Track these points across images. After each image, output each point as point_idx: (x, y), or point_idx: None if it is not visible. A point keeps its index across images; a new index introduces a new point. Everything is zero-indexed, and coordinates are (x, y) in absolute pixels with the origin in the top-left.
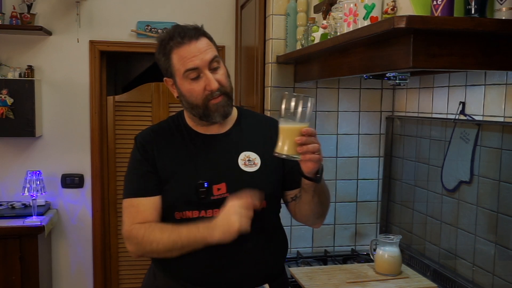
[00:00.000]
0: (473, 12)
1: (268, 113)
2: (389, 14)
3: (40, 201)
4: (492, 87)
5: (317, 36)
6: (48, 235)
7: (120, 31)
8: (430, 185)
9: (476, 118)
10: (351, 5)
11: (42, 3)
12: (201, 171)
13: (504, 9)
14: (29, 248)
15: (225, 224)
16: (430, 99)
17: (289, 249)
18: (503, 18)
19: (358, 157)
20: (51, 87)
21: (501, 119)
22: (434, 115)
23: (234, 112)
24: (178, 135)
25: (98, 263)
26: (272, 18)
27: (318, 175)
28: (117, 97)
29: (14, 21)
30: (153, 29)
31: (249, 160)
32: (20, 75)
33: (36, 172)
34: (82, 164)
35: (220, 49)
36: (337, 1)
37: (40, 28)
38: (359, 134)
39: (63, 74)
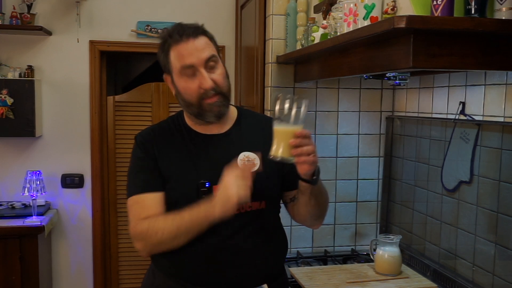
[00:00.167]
0: (473, 12)
1: (268, 113)
2: (389, 14)
3: (40, 201)
4: (492, 87)
5: (317, 36)
6: (48, 235)
7: (120, 31)
8: (430, 185)
9: (476, 118)
10: (351, 5)
11: (42, 3)
12: (202, 171)
13: (504, 9)
14: (29, 248)
15: (224, 198)
16: (430, 99)
17: (289, 249)
18: (503, 18)
19: (358, 157)
20: (51, 87)
21: (501, 119)
22: (434, 115)
23: (234, 112)
24: (178, 135)
25: (98, 263)
26: (272, 18)
27: (315, 177)
28: (117, 97)
29: (14, 21)
30: (153, 29)
31: (248, 160)
32: (20, 75)
33: (36, 172)
34: (82, 164)
35: (220, 49)
36: (337, 1)
37: (40, 28)
38: (359, 134)
39: (63, 74)
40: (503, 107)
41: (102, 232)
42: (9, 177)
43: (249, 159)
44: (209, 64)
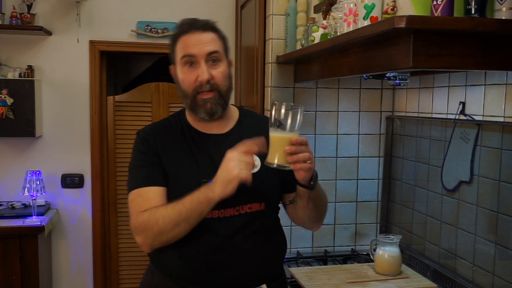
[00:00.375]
0: (473, 12)
1: (268, 113)
2: (389, 14)
3: (40, 201)
4: (492, 87)
5: (317, 36)
6: (48, 235)
7: (120, 31)
8: (430, 185)
9: (476, 118)
10: (351, 5)
11: (42, 3)
12: (203, 170)
13: (504, 9)
14: (29, 248)
15: (224, 173)
16: (430, 99)
17: (289, 249)
18: (503, 18)
19: (358, 157)
20: (51, 87)
21: (501, 119)
22: (434, 115)
23: (235, 112)
24: (180, 134)
25: (98, 263)
26: (272, 18)
27: (312, 183)
28: (117, 97)
29: (14, 21)
30: (153, 29)
31: None
32: (20, 75)
33: (36, 172)
34: (82, 164)
35: None
36: (337, 1)
37: (40, 28)
38: (359, 134)
39: (63, 74)
40: (503, 107)
41: (102, 232)
42: (9, 177)
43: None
44: (211, 58)
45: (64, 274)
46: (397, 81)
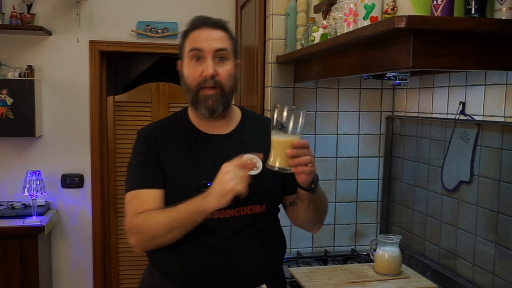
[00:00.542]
0: (473, 12)
1: (268, 113)
2: (389, 14)
3: (40, 201)
4: (492, 87)
5: (317, 36)
6: (48, 235)
7: (120, 31)
8: (430, 185)
9: (476, 118)
10: (351, 5)
11: (42, 3)
12: (204, 171)
13: (504, 9)
14: (29, 248)
15: (219, 186)
16: (430, 99)
17: (289, 249)
18: (503, 18)
19: (358, 157)
20: (51, 87)
21: (501, 119)
22: (434, 115)
23: (238, 113)
24: (182, 133)
25: (98, 263)
26: (272, 18)
27: (313, 186)
28: (117, 97)
29: (14, 21)
30: (153, 29)
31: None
32: (20, 75)
33: (36, 172)
34: (82, 164)
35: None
36: (337, 1)
37: (40, 28)
38: (359, 134)
39: (63, 74)
40: (503, 107)
41: (102, 232)
42: (9, 177)
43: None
44: (218, 55)
45: (64, 274)
46: (397, 81)
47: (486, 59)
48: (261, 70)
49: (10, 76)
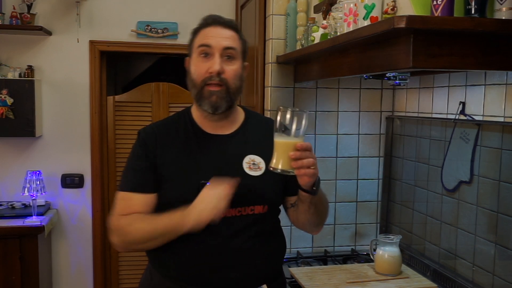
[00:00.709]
0: (473, 12)
1: (268, 113)
2: (389, 14)
3: (40, 201)
4: (492, 87)
5: (317, 36)
6: (48, 235)
7: (120, 31)
8: (430, 185)
9: (476, 118)
10: (351, 5)
11: (42, 3)
12: (204, 171)
13: (504, 9)
14: (29, 248)
15: (197, 213)
16: (430, 99)
17: (289, 249)
18: (503, 18)
19: (358, 157)
20: (51, 87)
21: (501, 119)
22: (434, 115)
23: (241, 113)
24: (183, 133)
25: (98, 263)
26: (272, 18)
27: (314, 188)
28: (117, 97)
29: (14, 21)
30: (153, 29)
31: (254, 163)
32: (20, 75)
33: (36, 172)
34: (82, 164)
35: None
36: (337, 1)
37: (40, 28)
38: (359, 134)
39: (63, 74)
40: (503, 107)
41: (102, 232)
42: (9, 177)
43: (254, 163)
44: (226, 53)
45: (64, 274)
46: (397, 81)
47: (486, 59)
48: (261, 70)
49: (10, 76)
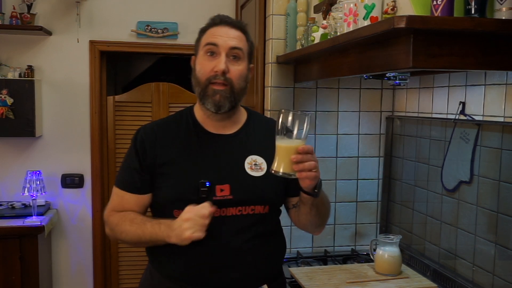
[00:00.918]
0: (473, 12)
1: (268, 113)
2: (389, 14)
3: (40, 201)
4: (492, 87)
5: (317, 36)
6: (48, 235)
7: (120, 31)
8: (430, 185)
9: (476, 118)
10: (351, 5)
11: (42, 3)
12: (204, 170)
13: (504, 9)
14: (29, 248)
15: (179, 230)
16: (430, 99)
17: (289, 249)
18: (503, 18)
19: (358, 157)
20: (51, 87)
21: (501, 119)
22: (434, 115)
23: (244, 114)
24: (184, 132)
25: (98, 263)
26: (272, 18)
27: (316, 190)
28: (117, 97)
29: (14, 21)
30: (153, 29)
31: (255, 164)
32: (20, 75)
33: (36, 172)
34: (82, 164)
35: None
36: (337, 1)
37: (40, 28)
38: (359, 134)
39: (63, 74)
40: (503, 107)
41: (102, 232)
42: (9, 177)
43: (256, 163)
44: (232, 53)
45: (64, 274)
46: (397, 81)
47: (486, 59)
48: (261, 70)
49: (10, 76)
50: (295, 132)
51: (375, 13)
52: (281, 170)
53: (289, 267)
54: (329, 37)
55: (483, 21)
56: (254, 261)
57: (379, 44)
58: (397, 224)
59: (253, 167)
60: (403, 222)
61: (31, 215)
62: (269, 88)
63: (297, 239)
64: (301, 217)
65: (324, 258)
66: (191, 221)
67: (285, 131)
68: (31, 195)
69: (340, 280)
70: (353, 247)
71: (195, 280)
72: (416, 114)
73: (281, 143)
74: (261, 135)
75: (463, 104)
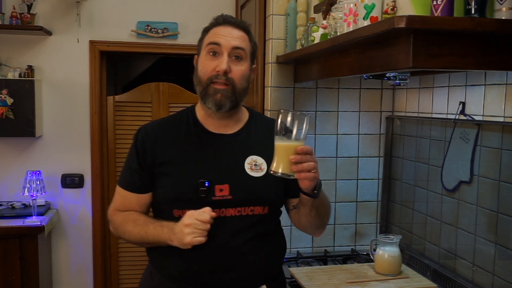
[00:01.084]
0: (473, 12)
1: (268, 113)
2: (389, 14)
3: (40, 201)
4: (492, 87)
5: (317, 36)
6: (48, 235)
7: (120, 31)
8: (430, 185)
9: (476, 118)
10: (351, 5)
11: (42, 3)
12: (204, 170)
13: (504, 9)
14: (29, 248)
15: (179, 234)
16: (430, 99)
17: (289, 249)
18: (503, 18)
19: (358, 157)
20: (51, 87)
21: (501, 119)
22: (434, 115)
23: (246, 114)
24: (185, 131)
25: (98, 263)
26: (272, 18)
27: (316, 191)
28: (117, 97)
29: (14, 21)
30: (153, 29)
31: (255, 164)
32: (20, 75)
33: (36, 172)
34: (82, 164)
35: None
36: (337, 1)
37: (40, 28)
38: (359, 134)
39: (63, 74)
40: (503, 107)
41: (102, 232)
42: (9, 177)
43: (256, 163)
44: (234, 53)
45: (64, 274)
46: (397, 81)
47: (486, 59)
48: (261, 70)
49: (10, 76)
50: (294, 132)
51: (375, 13)
52: (279, 171)
53: (289, 267)
54: (329, 37)
55: (483, 21)
56: (253, 261)
57: (379, 44)
58: (397, 224)
59: (253, 167)
60: (403, 222)
61: (31, 215)
62: (269, 88)
63: (297, 239)
64: (301, 218)
65: (324, 258)
66: (192, 227)
67: (284, 131)
68: (31, 195)
69: (340, 280)
70: (353, 247)
71: (195, 280)
72: (416, 114)
73: (280, 143)
74: (262, 135)
75: (463, 104)
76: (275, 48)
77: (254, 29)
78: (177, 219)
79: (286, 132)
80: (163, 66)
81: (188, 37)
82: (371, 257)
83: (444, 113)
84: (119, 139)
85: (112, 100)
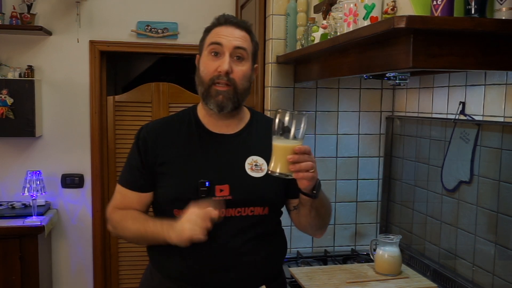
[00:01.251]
0: (473, 12)
1: (268, 113)
2: (389, 14)
3: (40, 201)
4: (492, 87)
5: (317, 36)
6: (48, 235)
7: (120, 31)
8: (430, 185)
9: (476, 118)
10: (351, 5)
11: (42, 3)
12: (204, 170)
13: (504, 9)
14: (29, 248)
15: (179, 230)
16: (430, 99)
17: (289, 249)
18: (503, 18)
19: (358, 157)
20: (51, 87)
21: (501, 119)
22: (434, 115)
23: (247, 114)
24: (186, 131)
25: (98, 263)
26: (272, 18)
27: (315, 191)
28: (117, 97)
29: (14, 21)
30: (153, 29)
31: (256, 165)
32: (20, 75)
33: (36, 172)
34: (82, 164)
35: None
36: (337, 1)
37: (40, 28)
38: (359, 134)
39: (63, 74)
40: (503, 107)
41: (102, 232)
42: (9, 177)
43: (256, 164)
44: (236, 54)
45: (64, 274)
46: (397, 81)
47: (486, 59)
48: (261, 70)
49: (10, 76)
50: (292, 132)
51: (375, 13)
52: (277, 171)
53: (289, 267)
54: (329, 37)
55: (483, 21)
56: (253, 261)
57: (379, 44)
58: (397, 224)
59: (254, 167)
60: (403, 222)
61: (31, 215)
62: (269, 88)
63: (297, 239)
64: (302, 219)
65: (324, 258)
66: (192, 222)
67: (282, 131)
68: (31, 195)
69: (340, 280)
70: (353, 247)
71: (195, 280)
72: (416, 114)
73: (278, 143)
74: (263, 136)
75: (463, 104)
76: (275, 48)
77: (254, 29)
78: (177, 219)
79: (284, 131)
80: (163, 66)
81: (188, 37)
82: (371, 257)
83: (444, 113)
84: (119, 139)
85: (112, 100)
